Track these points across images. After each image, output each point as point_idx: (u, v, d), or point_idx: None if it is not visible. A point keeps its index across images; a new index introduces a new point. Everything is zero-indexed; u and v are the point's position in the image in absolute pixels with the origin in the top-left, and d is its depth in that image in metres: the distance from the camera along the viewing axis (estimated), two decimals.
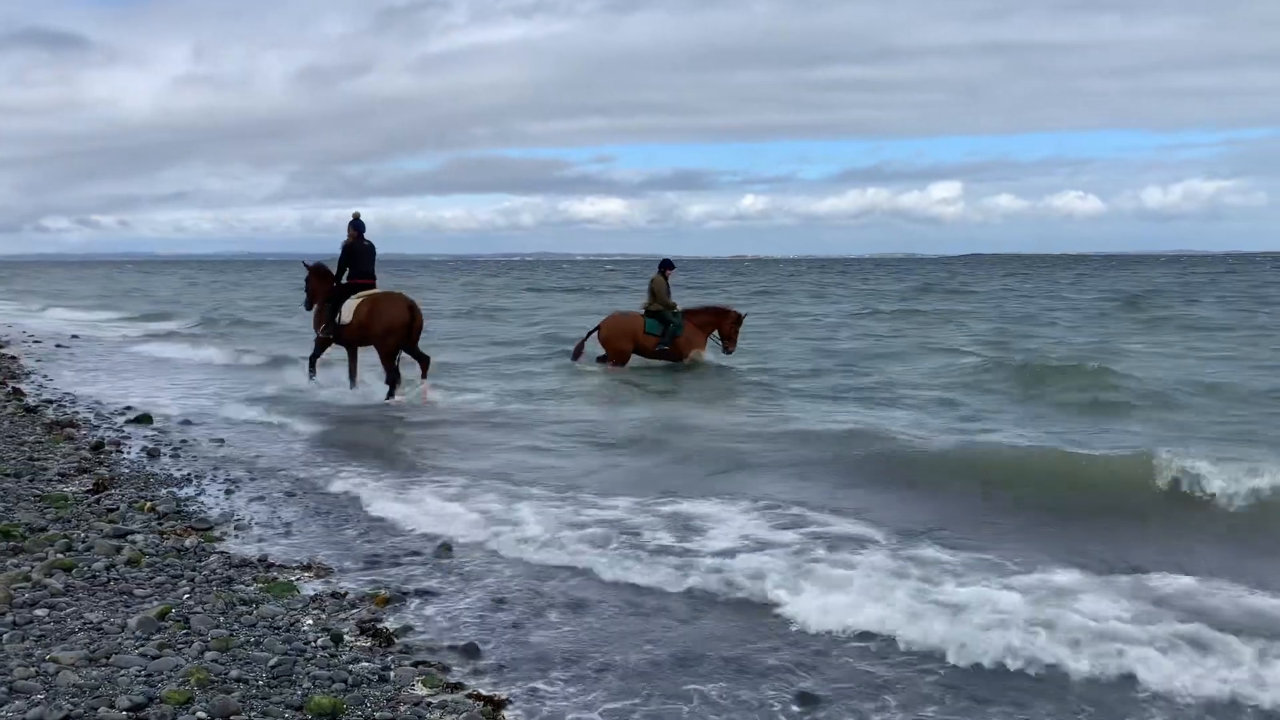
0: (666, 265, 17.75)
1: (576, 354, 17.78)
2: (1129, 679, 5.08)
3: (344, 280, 14.55)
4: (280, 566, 6.91)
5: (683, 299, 18.96)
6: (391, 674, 5.11)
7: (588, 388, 15.76)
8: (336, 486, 9.31)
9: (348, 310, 14.16)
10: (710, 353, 17.53)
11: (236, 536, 7.67)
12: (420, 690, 4.96)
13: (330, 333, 14.52)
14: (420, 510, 8.37)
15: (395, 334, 13.85)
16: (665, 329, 17.03)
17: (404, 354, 14.24)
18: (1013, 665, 5.24)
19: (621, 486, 9.19)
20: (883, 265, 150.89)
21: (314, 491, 9.16)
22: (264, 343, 24.01)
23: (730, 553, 7.09)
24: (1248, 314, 31.68)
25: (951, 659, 5.33)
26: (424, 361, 14.23)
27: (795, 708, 4.86)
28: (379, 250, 14.82)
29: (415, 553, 7.30)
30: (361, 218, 14.54)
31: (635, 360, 17.19)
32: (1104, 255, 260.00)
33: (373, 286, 14.51)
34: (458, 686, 5.04)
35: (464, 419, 13.00)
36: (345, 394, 14.54)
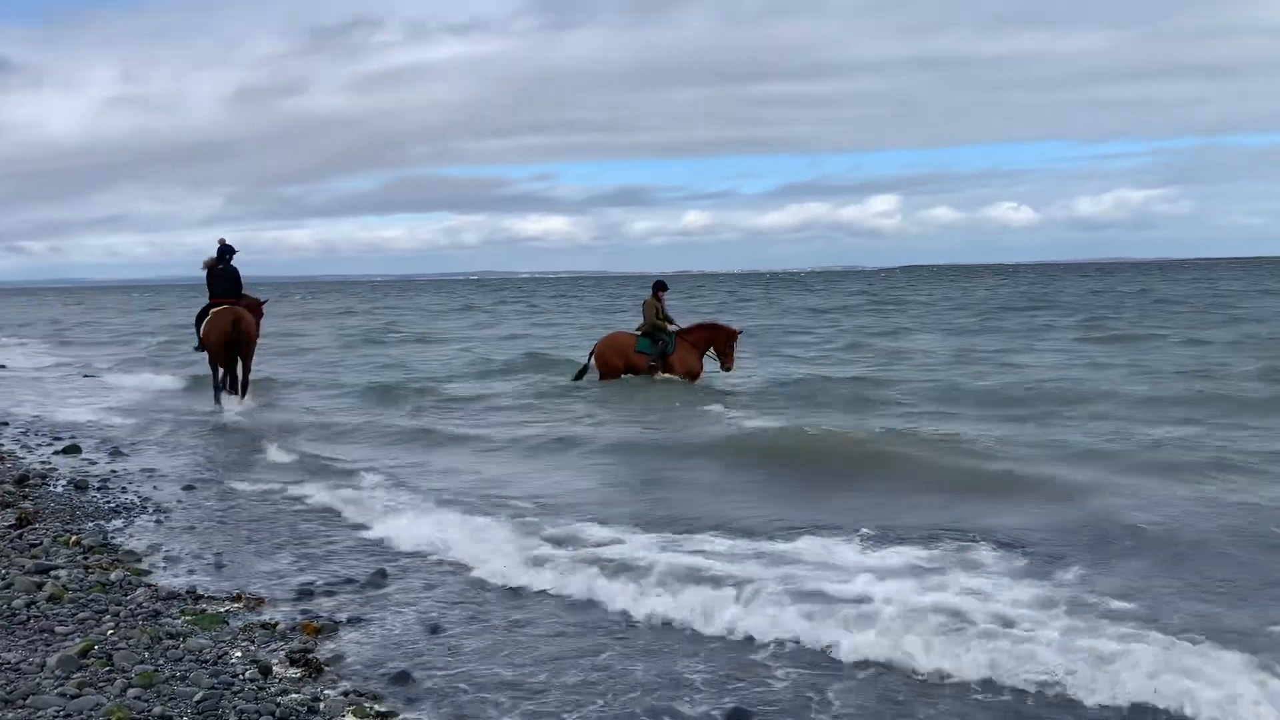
0: (659, 287, 17.60)
1: (579, 376, 17.68)
2: None
3: (208, 301, 16.11)
4: (209, 598, 6.77)
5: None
6: (321, 705, 5.02)
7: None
8: (269, 514, 9.17)
9: (202, 328, 15.92)
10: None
11: (165, 568, 7.50)
12: None
13: (199, 349, 16.28)
14: (350, 535, 8.27)
15: (220, 344, 15.48)
16: (656, 348, 16.95)
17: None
18: None
19: None
20: (820, 278, 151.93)
21: (247, 521, 8.99)
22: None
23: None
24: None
25: None
26: (244, 372, 15.89)
27: None
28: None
29: (349, 580, 7.19)
30: (227, 242, 15.99)
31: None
32: (1038, 264, 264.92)
33: (226, 306, 15.75)
34: (389, 715, 4.97)
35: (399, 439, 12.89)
36: (288, 418, 14.77)
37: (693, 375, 16.97)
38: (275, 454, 11.82)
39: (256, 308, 16.85)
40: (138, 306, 67.09)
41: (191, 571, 7.44)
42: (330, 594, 6.90)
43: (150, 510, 9.36)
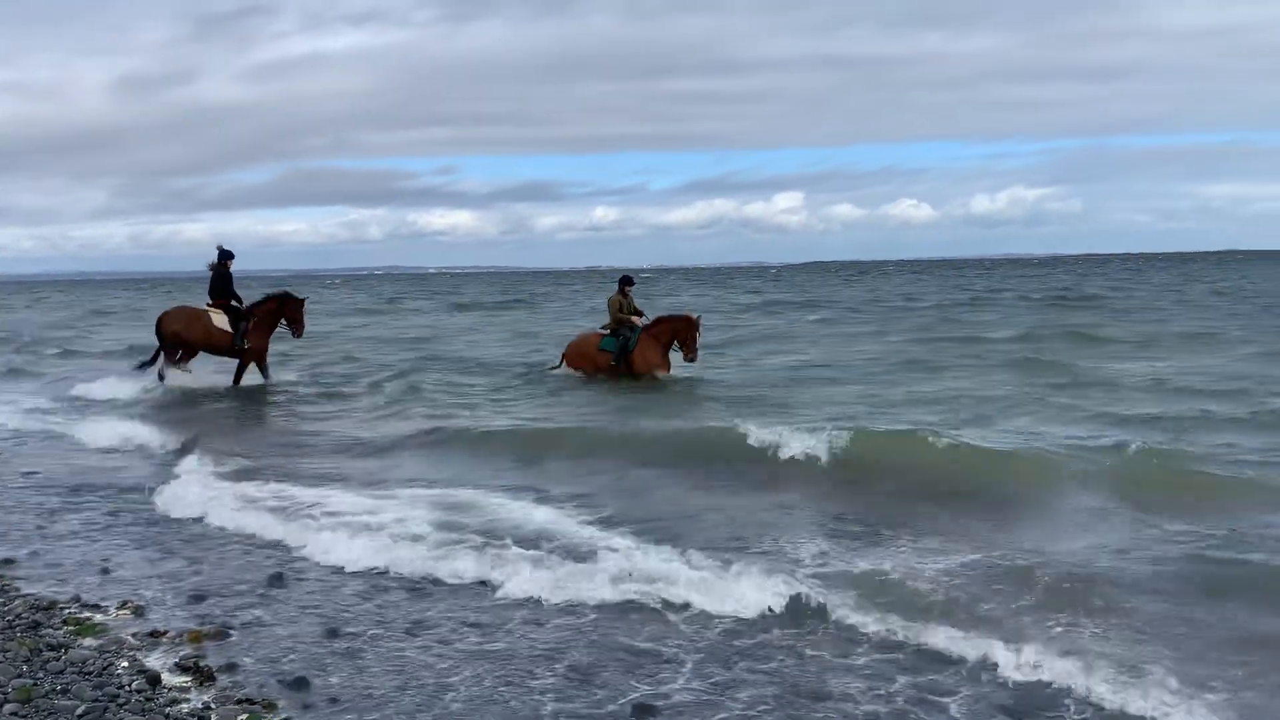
0: (625, 282, 17.04)
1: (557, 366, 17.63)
2: None
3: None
4: (95, 606, 6.47)
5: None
6: (213, 714, 4.83)
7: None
8: (162, 513, 8.82)
9: None
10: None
11: (46, 575, 7.15)
12: None
13: None
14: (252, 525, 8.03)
15: (158, 336, 17.14)
16: (618, 345, 16.44)
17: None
18: None
19: None
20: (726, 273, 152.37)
21: (137, 520, 8.64)
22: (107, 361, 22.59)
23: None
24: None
25: None
26: (185, 357, 17.21)
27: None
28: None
29: (244, 582, 6.95)
30: (223, 248, 17.34)
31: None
32: (936, 260, 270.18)
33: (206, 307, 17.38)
34: None
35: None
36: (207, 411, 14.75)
37: (654, 370, 16.39)
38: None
39: (280, 309, 17.09)
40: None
41: (76, 577, 7.11)
42: (224, 597, 6.65)
43: (33, 510, 8.93)
